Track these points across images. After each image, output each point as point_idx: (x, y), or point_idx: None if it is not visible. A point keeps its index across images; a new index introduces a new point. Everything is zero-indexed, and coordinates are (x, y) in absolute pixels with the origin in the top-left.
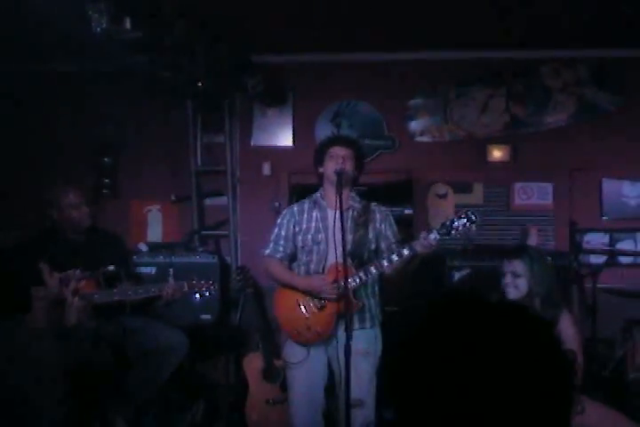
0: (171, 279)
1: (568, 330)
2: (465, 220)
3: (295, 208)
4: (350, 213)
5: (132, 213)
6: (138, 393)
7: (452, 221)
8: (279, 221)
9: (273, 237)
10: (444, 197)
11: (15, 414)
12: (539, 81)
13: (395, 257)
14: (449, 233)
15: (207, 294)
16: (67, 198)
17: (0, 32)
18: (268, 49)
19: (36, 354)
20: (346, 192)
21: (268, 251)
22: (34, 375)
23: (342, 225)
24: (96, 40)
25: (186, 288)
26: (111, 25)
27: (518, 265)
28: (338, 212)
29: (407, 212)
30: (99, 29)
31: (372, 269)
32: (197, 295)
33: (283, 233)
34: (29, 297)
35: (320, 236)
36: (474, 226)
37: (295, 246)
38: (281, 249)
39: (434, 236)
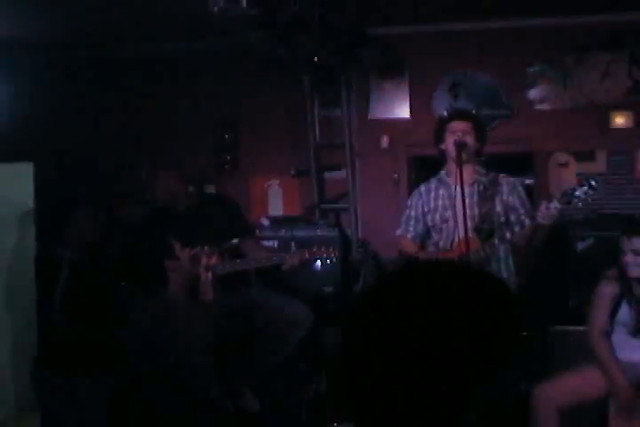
0: (293, 248)
1: None
2: (586, 187)
3: (423, 188)
4: (476, 186)
5: (253, 188)
6: (263, 364)
7: (574, 190)
8: (409, 202)
9: (404, 217)
10: (565, 165)
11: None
12: None
13: (517, 228)
14: (570, 202)
15: (328, 261)
16: (166, 185)
17: (114, 13)
18: (382, 21)
19: (180, 325)
20: (470, 166)
21: (399, 231)
22: (182, 345)
23: (463, 200)
24: (213, 19)
25: (307, 255)
26: (227, 3)
27: (637, 242)
28: (467, 187)
29: (528, 181)
30: (216, 8)
31: (497, 242)
32: (319, 263)
33: (412, 213)
34: (165, 271)
35: (447, 213)
36: (595, 193)
37: (426, 226)
38: (411, 229)
39: (554, 205)
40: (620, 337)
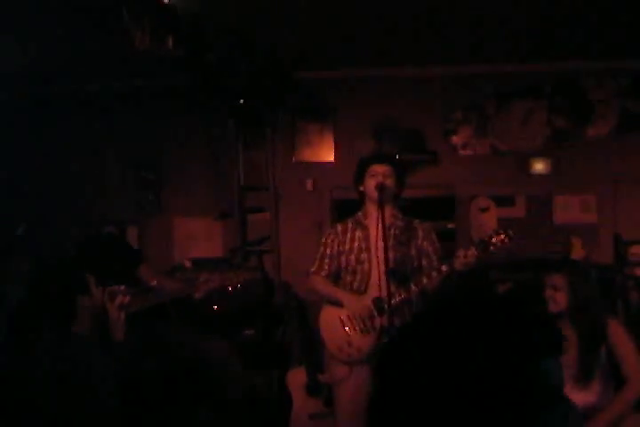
0: (204, 274)
1: (619, 338)
2: (503, 236)
3: (339, 228)
4: (392, 230)
5: (176, 229)
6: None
7: (490, 237)
8: (323, 239)
9: (318, 255)
10: (486, 210)
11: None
12: (580, 93)
13: (434, 273)
14: (487, 249)
15: (239, 285)
16: None
17: (45, 52)
18: (308, 65)
19: (86, 363)
20: (388, 210)
21: (313, 268)
22: (86, 384)
23: (385, 242)
24: (138, 57)
25: (217, 281)
26: (153, 43)
27: (558, 279)
28: (378, 229)
29: (450, 226)
30: (142, 48)
31: (413, 287)
32: (230, 288)
33: (327, 252)
34: (76, 307)
35: (363, 255)
36: (512, 242)
37: (339, 266)
38: (326, 267)
39: (472, 252)
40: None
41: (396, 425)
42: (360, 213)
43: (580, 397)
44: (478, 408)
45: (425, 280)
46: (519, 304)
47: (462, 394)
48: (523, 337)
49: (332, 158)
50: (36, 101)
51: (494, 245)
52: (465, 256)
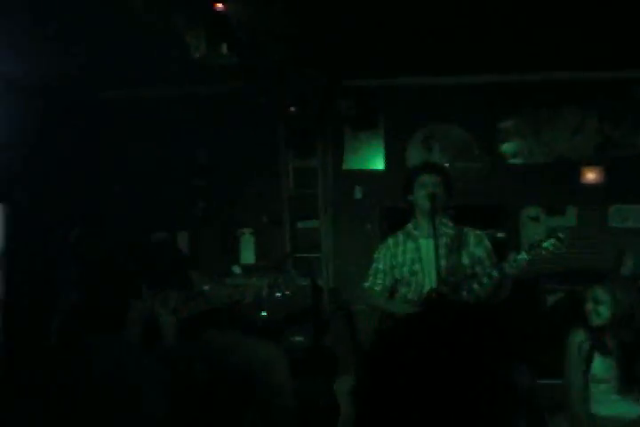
0: (253, 279)
1: None
2: (554, 239)
3: (390, 241)
4: (443, 239)
5: (226, 235)
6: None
7: (541, 241)
8: (376, 255)
9: (371, 271)
10: (536, 219)
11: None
12: (632, 101)
13: (485, 280)
14: (538, 253)
15: (287, 292)
16: None
17: (98, 58)
18: (359, 73)
19: (135, 369)
20: (438, 219)
21: (367, 284)
22: (135, 390)
23: (436, 253)
24: (193, 66)
25: (266, 287)
26: (208, 50)
27: (600, 292)
28: (430, 240)
29: (499, 235)
30: (197, 55)
31: (465, 294)
32: (278, 294)
33: (380, 267)
34: (127, 310)
35: (415, 267)
36: (563, 246)
37: (394, 279)
38: (379, 282)
39: (522, 256)
40: (596, 392)
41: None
42: (410, 225)
43: (626, 408)
44: (450, 412)
45: (476, 286)
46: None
47: (435, 396)
48: (493, 342)
49: (381, 166)
50: (88, 108)
51: (545, 249)
52: (515, 260)
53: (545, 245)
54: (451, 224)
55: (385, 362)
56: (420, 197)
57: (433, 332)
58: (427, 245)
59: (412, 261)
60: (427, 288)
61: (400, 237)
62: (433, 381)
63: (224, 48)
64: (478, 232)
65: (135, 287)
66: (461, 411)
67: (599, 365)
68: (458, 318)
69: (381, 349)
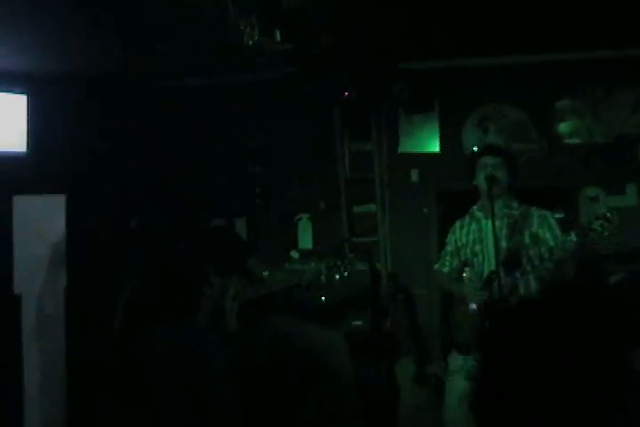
0: (312, 264)
1: None
2: (601, 220)
3: (457, 224)
4: (505, 220)
5: (283, 221)
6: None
7: (590, 223)
8: (447, 238)
9: (442, 252)
10: (595, 199)
11: (187, 411)
12: None
13: (537, 262)
14: (586, 235)
15: (346, 273)
16: None
17: (152, 47)
18: (412, 55)
19: (206, 353)
20: (501, 200)
21: (436, 266)
22: (206, 374)
23: (494, 233)
24: (247, 52)
25: (323, 269)
26: (262, 37)
27: None
28: (497, 220)
29: (558, 216)
30: (250, 42)
31: (517, 275)
32: (337, 277)
33: (448, 248)
34: (199, 297)
35: (476, 248)
36: (612, 227)
37: (460, 261)
38: (447, 264)
39: (570, 238)
40: None
41: (497, 408)
42: (475, 207)
43: None
44: (569, 394)
45: (528, 268)
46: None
47: (555, 381)
48: (613, 327)
49: (437, 149)
50: (144, 98)
51: (594, 230)
52: (564, 242)
53: (594, 226)
54: (516, 205)
55: (506, 344)
56: (481, 179)
57: (555, 315)
58: (487, 226)
59: (473, 242)
60: (486, 270)
61: (466, 219)
62: (555, 364)
63: (277, 34)
64: (544, 212)
65: (203, 274)
66: (581, 395)
67: None
68: (582, 303)
69: (503, 330)
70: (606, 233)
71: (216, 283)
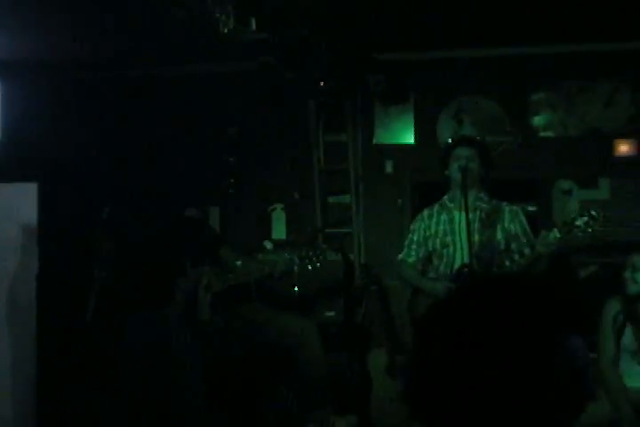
0: (285, 254)
1: None
2: (586, 218)
3: (425, 212)
4: (478, 213)
5: (257, 211)
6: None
7: (574, 219)
8: (412, 226)
9: (407, 241)
10: (568, 193)
11: (160, 400)
12: None
13: (517, 257)
14: (570, 231)
15: (318, 264)
16: None
17: (126, 35)
18: (388, 47)
19: (178, 345)
20: (474, 193)
21: (401, 255)
22: (178, 365)
23: (467, 226)
24: (221, 41)
25: (296, 259)
26: (237, 26)
27: (637, 259)
28: (462, 213)
29: (530, 208)
30: (225, 30)
31: (496, 270)
32: (310, 267)
33: (415, 238)
34: (173, 289)
35: (447, 239)
36: (596, 224)
37: (427, 251)
38: (413, 253)
39: (554, 234)
40: (625, 364)
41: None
42: (446, 197)
43: None
44: (504, 381)
45: (508, 263)
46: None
47: (490, 368)
48: (549, 314)
49: (412, 140)
50: (117, 86)
51: (578, 227)
52: (547, 238)
53: (577, 223)
54: (487, 199)
55: (440, 334)
56: (454, 170)
57: (489, 302)
58: (460, 218)
59: (444, 232)
60: (458, 262)
61: (435, 208)
62: (492, 352)
63: (253, 23)
64: (514, 207)
65: (179, 264)
66: (519, 382)
67: (628, 338)
68: (515, 288)
69: (436, 320)
70: (589, 230)
71: (191, 273)
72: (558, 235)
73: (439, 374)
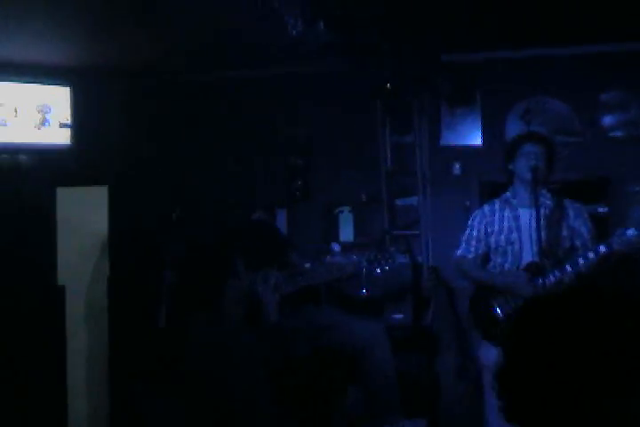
0: (353, 256)
1: None
2: None
3: (486, 208)
4: (542, 210)
5: (325, 213)
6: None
7: None
8: (470, 222)
9: (464, 237)
10: (639, 193)
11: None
12: None
13: (591, 254)
14: None
15: (387, 267)
16: None
17: (196, 40)
18: (455, 47)
19: (234, 345)
20: (538, 190)
21: (459, 251)
22: (235, 365)
23: (537, 224)
24: (290, 43)
25: (364, 262)
26: (306, 27)
27: None
28: (534, 210)
29: (601, 210)
30: (294, 32)
31: (568, 268)
32: (378, 270)
33: (474, 233)
34: (224, 289)
35: (513, 236)
36: None
37: (488, 247)
38: (472, 249)
39: (631, 232)
40: None
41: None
42: (508, 193)
43: None
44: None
45: (581, 261)
46: None
47: (587, 376)
48: None
49: (479, 142)
50: (182, 90)
51: None
52: (624, 235)
53: None
54: (549, 195)
55: (537, 340)
56: (522, 167)
57: (591, 312)
58: (526, 214)
59: (509, 229)
60: (525, 259)
61: (497, 204)
62: (596, 364)
63: (321, 25)
64: (577, 205)
65: (232, 267)
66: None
67: None
68: (619, 299)
69: (532, 323)
70: None
71: (244, 274)
72: (637, 232)
73: (537, 387)
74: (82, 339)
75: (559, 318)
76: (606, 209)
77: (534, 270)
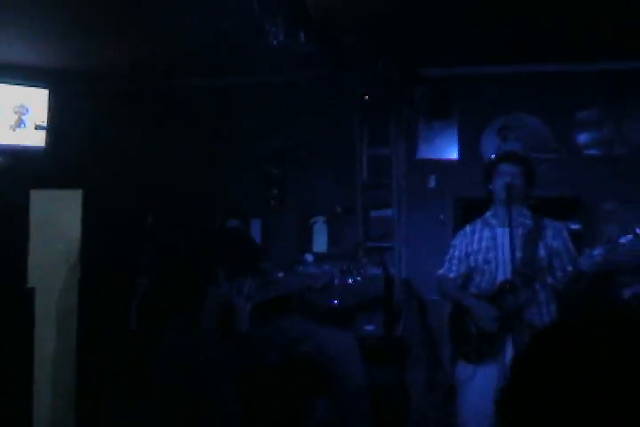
0: (325, 267)
1: None
2: (631, 236)
3: (468, 229)
4: (520, 229)
5: (299, 223)
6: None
7: (618, 237)
8: (453, 241)
9: (447, 257)
10: (612, 212)
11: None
12: None
13: (559, 273)
14: (614, 249)
15: (358, 278)
16: None
17: (175, 47)
18: (433, 62)
19: (208, 352)
20: (517, 209)
21: (442, 270)
22: (207, 371)
23: (511, 243)
24: (270, 53)
25: (337, 273)
26: (286, 38)
27: None
28: (507, 229)
29: (574, 227)
30: (275, 42)
31: (537, 287)
32: (350, 280)
33: (456, 253)
34: (203, 296)
35: (490, 255)
36: None
37: (469, 267)
38: (454, 268)
39: (598, 252)
40: None
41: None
42: (488, 213)
43: None
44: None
45: (550, 280)
46: None
47: (593, 407)
48: None
49: (455, 156)
50: (160, 96)
51: (622, 245)
52: (591, 256)
53: (622, 241)
54: (530, 215)
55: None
56: (498, 186)
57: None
58: (503, 234)
59: (486, 249)
60: (500, 278)
61: (478, 224)
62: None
63: (302, 36)
64: (557, 224)
65: (212, 274)
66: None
67: None
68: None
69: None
70: (634, 248)
71: (223, 283)
72: (602, 252)
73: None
74: (50, 341)
75: (580, 352)
76: (579, 226)
77: (507, 289)
